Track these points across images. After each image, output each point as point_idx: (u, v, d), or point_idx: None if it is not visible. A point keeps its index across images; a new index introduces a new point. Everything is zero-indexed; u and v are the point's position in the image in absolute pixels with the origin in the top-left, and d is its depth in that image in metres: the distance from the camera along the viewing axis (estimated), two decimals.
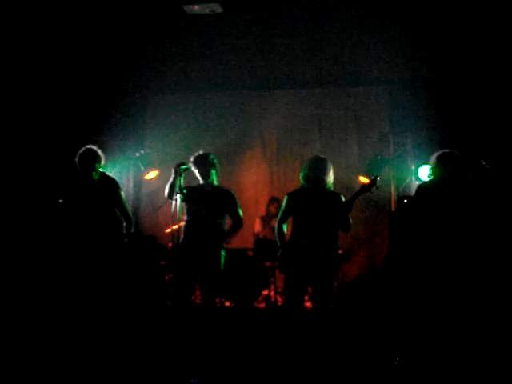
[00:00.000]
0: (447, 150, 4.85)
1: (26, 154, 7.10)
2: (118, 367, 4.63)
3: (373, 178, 4.84)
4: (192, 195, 5.20)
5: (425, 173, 6.73)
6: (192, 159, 5.34)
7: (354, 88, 8.70)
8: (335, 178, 7.41)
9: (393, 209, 7.75)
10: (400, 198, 6.81)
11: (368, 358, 4.93)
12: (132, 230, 5.43)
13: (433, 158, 4.88)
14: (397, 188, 7.70)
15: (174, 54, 7.53)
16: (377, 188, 4.81)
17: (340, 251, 7.31)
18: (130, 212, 5.50)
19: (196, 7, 6.02)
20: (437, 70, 7.55)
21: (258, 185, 8.87)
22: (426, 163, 6.64)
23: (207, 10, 6.08)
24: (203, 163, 5.27)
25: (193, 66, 7.94)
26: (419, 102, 7.82)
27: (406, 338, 4.66)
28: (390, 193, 7.92)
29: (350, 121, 8.81)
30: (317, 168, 4.99)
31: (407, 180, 7.65)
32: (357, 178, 7.69)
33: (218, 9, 6.02)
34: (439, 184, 4.81)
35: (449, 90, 7.62)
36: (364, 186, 4.82)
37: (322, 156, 5.15)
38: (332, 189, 5.10)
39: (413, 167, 7.43)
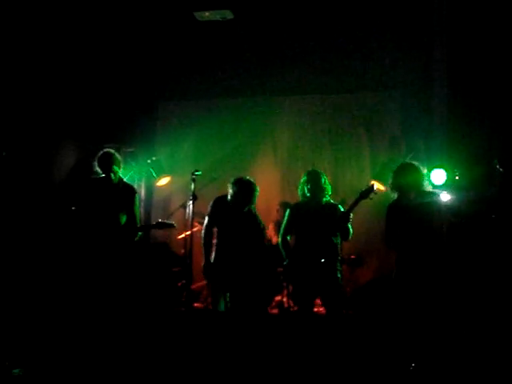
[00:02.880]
0: (404, 163, 5.01)
1: (38, 161, 7.13)
2: (127, 372, 4.66)
3: (370, 185, 4.92)
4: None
5: (437, 176, 6.68)
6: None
7: (364, 92, 8.67)
8: (347, 183, 7.41)
9: None
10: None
11: (382, 363, 4.91)
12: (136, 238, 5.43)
13: (392, 174, 4.93)
14: None
15: (185, 61, 7.55)
16: (375, 194, 4.84)
17: (353, 256, 7.43)
18: (138, 219, 5.47)
19: (207, 14, 6.04)
20: (449, 72, 7.51)
21: (269, 191, 8.83)
22: (439, 166, 6.62)
23: (218, 17, 6.10)
24: None
25: (203, 72, 7.96)
26: (431, 106, 7.78)
27: (420, 342, 4.63)
28: None
29: (361, 125, 8.77)
30: (313, 182, 5.11)
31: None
32: (369, 183, 7.66)
33: (229, 15, 6.04)
34: (403, 196, 4.85)
35: (461, 93, 7.57)
36: (362, 194, 4.85)
37: (318, 170, 5.26)
38: (330, 200, 5.19)
39: (425, 171, 7.37)
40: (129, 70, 7.83)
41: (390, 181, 4.96)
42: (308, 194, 5.12)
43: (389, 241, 4.96)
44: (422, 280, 4.60)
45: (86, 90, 7.95)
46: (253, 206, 5.37)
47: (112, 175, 5.23)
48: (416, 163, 4.98)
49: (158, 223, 5.24)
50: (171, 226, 5.28)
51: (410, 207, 4.76)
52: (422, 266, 4.63)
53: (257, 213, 5.41)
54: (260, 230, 5.36)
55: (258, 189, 5.39)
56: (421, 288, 4.60)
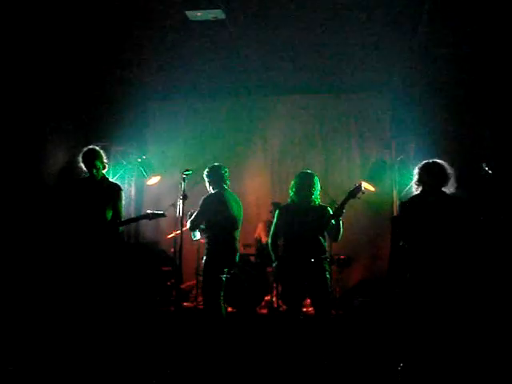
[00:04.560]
0: (430, 161, 4.67)
1: (28, 160, 7.10)
2: (116, 371, 4.67)
3: (357, 184, 4.85)
4: None
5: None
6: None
7: (355, 93, 8.72)
8: (337, 184, 7.41)
9: (395, 213, 7.75)
10: (402, 203, 6.80)
11: (371, 364, 4.94)
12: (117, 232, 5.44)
13: (416, 170, 4.70)
14: (399, 193, 7.71)
15: (176, 60, 7.54)
16: (363, 193, 4.81)
17: (342, 257, 7.45)
18: (121, 215, 5.45)
19: (199, 13, 6.02)
20: (438, 74, 7.57)
21: (259, 190, 8.87)
22: None
23: (210, 17, 6.08)
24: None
25: (194, 71, 7.96)
26: (421, 107, 7.83)
27: (409, 343, 4.64)
28: (393, 198, 7.93)
29: (351, 126, 8.84)
30: (304, 184, 5.09)
31: (409, 185, 7.63)
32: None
33: (221, 15, 6.03)
34: (424, 195, 4.68)
35: (451, 95, 7.62)
36: (350, 193, 4.81)
37: (309, 171, 5.21)
38: (319, 202, 5.16)
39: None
40: (120, 68, 7.81)
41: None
42: (298, 195, 5.10)
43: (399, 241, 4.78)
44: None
45: (77, 89, 7.93)
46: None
47: (94, 171, 5.22)
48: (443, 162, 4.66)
49: (147, 214, 5.23)
50: (161, 215, 5.27)
51: (433, 207, 4.56)
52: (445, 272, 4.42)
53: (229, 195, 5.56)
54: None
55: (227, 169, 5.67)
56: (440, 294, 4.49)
